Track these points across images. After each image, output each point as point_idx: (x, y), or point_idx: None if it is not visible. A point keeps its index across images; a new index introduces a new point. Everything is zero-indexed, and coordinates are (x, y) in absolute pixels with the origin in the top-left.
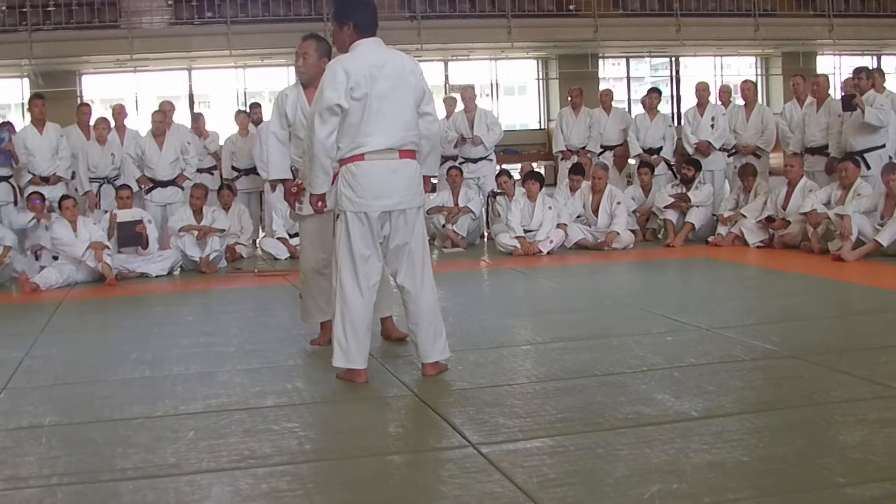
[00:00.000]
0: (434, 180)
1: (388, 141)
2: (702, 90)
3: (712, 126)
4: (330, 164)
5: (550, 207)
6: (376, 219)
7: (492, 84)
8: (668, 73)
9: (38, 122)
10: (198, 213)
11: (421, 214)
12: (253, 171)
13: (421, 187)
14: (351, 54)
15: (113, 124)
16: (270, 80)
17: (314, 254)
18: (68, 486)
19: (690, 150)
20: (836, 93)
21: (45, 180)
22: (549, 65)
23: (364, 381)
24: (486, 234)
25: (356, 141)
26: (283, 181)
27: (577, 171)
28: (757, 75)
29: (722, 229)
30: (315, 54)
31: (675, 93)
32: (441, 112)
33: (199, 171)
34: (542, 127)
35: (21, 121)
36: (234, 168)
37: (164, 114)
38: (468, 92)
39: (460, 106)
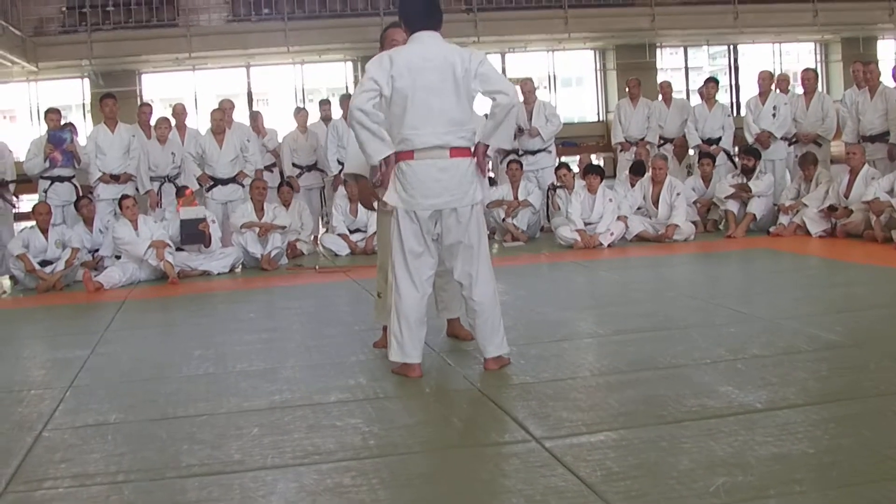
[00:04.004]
0: (491, 153)
1: (436, 137)
2: (764, 79)
3: (774, 115)
4: (377, 128)
5: (611, 200)
6: (427, 217)
7: (549, 76)
8: (727, 62)
9: (109, 122)
10: (259, 210)
11: (476, 212)
12: (314, 167)
13: (474, 185)
14: (403, 46)
15: (174, 123)
16: (328, 76)
17: None
18: (135, 482)
19: (751, 140)
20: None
21: (116, 178)
22: (606, 55)
23: (418, 376)
24: (545, 227)
25: (402, 133)
26: (357, 178)
27: (637, 171)
28: (816, 62)
29: (783, 219)
30: None
31: (733, 81)
32: None
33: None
34: (601, 118)
35: (82, 121)
36: (294, 165)
37: (223, 112)
38: (527, 84)
39: (520, 97)
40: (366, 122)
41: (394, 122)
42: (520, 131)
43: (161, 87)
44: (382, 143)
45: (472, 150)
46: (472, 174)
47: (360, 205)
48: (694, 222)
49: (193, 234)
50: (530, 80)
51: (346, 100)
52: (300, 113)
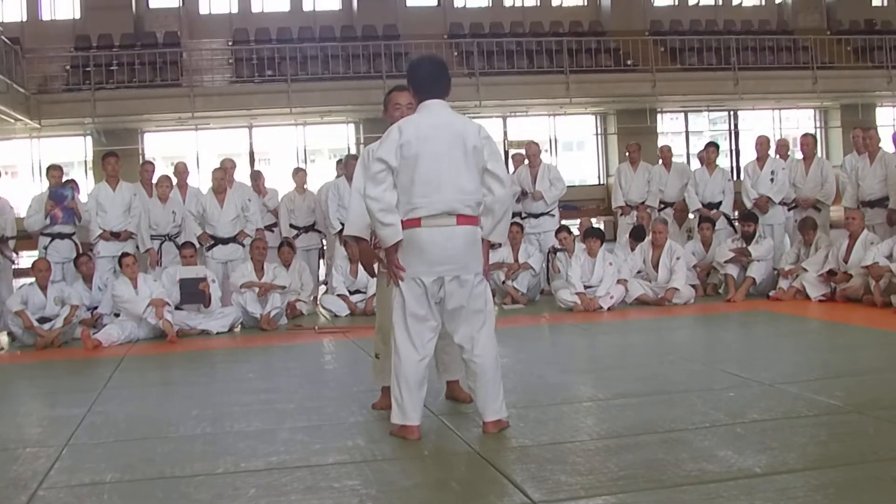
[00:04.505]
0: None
1: (444, 205)
2: (762, 144)
3: (772, 180)
4: (385, 214)
5: (611, 263)
6: (431, 282)
7: (550, 140)
8: (727, 127)
9: (111, 179)
10: (259, 269)
11: (480, 279)
12: (312, 228)
13: (479, 254)
14: (412, 115)
15: (175, 182)
16: (330, 137)
17: None
18: None
19: (749, 205)
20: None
21: (116, 236)
22: (607, 120)
23: (416, 439)
24: (545, 289)
25: (412, 202)
26: (358, 240)
27: (637, 236)
28: (816, 127)
29: (783, 283)
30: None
31: (733, 146)
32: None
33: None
34: (601, 182)
35: (84, 178)
36: (292, 226)
37: (224, 171)
38: (532, 148)
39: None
40: (375, 209)
41: (402, 189)
42: (524, 194)
43: (163, 146)
44: (392, 230)
45: (478, 217)
46: (478, 242)
47: (359, 266)
48: (694, 286)
49: (193, 293)
50: (536, 143)
51: (351, 160)
52: (298, 174)
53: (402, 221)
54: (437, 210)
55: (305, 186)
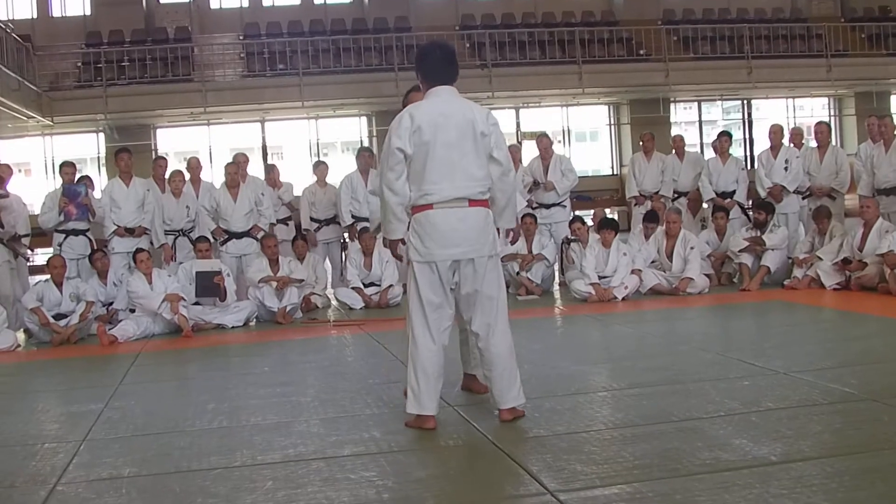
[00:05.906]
0: (511, 230)
1: (455, 191)
2: (775, 133)
3: (786, 169)
4: (402, 210)
5: (625, 253)
6: (446, 268)
7: (563, 130)
8: (741, 116)
9: (124, 176)
10: (274, 263)
11: (493, 263)
12: (333, 220)
13: (491, 236)
14: (421, 102)
15: (188, 177)
16: (342, 130)
17: None
18: None
19: (763, 194)
20: None
21: (130, 232)
22: (620, 110)
23: (432, 428)
24: (559, 280)
25: (423, 189)
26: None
27: (651, 219)
28: (830, 116)
29: (798, 272)
30: None
31: (747, 135)
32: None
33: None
34: (615, 172)
35: (97, 175)
36: (312, 219)
37: (237, 165)
38: (543, 141)
39: (535, 152)
40: (393, 203)
41: (414, 176)
42: (535, 185)
43: (176, 141)
44: (400, 225)
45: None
46: (490, 225)
47: (373, 259)
48: (708, 275)
49: (208, 286)
50: (547, 136)
51: (363, 152)
52: (319, 167)
53: (414, 207)
54: (450, 196)
55: (327, 180)
